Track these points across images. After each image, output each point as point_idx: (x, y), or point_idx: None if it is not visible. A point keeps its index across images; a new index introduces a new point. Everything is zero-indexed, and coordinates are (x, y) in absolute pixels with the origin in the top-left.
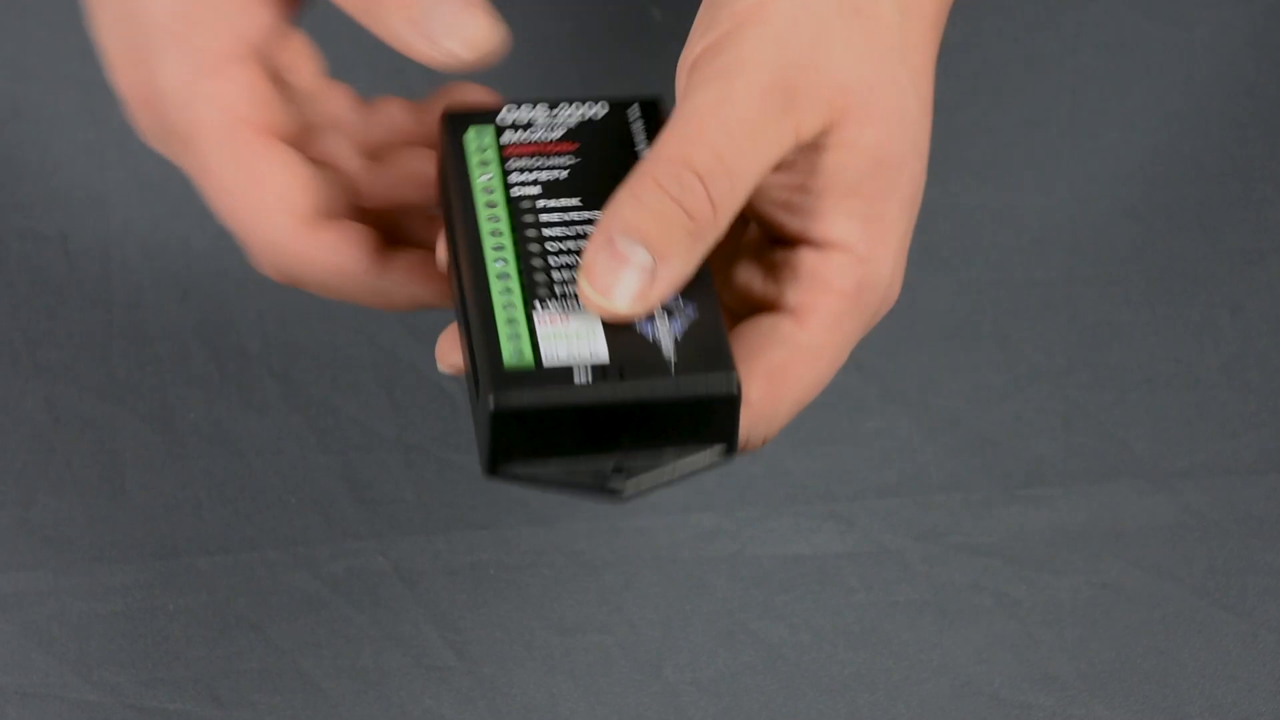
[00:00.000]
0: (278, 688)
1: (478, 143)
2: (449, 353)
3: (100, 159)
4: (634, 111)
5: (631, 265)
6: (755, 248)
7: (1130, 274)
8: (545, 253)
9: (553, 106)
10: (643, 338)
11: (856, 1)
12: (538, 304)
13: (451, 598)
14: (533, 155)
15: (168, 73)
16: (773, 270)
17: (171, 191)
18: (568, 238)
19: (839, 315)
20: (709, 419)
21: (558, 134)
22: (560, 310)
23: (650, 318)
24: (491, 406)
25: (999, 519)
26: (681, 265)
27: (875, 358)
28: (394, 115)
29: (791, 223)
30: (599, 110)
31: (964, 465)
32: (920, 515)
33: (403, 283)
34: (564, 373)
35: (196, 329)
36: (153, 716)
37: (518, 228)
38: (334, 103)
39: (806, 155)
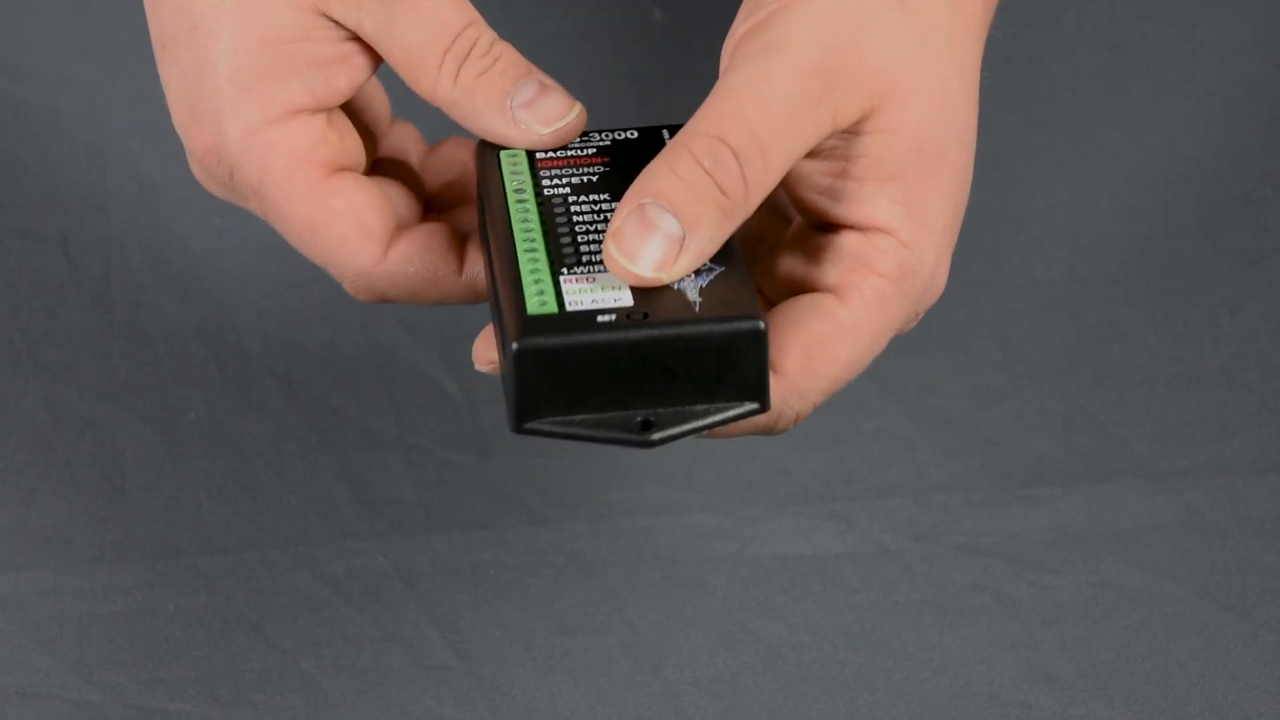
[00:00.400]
0: (278, 688)
1: (511, 160)
2: (485, 350)
3: (100, 159)
4: (665, 135)
5: (660, 232)
6: (798, 237)
7: (1130, 274)
8: (574, 233)
9: (584, 135)
10: (667, 288)
11: None
12: (564, 270)
13: (451, 598)
14: (565, 166)
15: (234, 124)
16: (815, 254)
17: (171, 192)
18: (597, 222)
19: (882, 296)
20: (736, 367)
21: (590, 151)
22: (586, 274)
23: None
24: (515, 347)
25: (999, 519)
26: (710, 239)
27: (875, 358)
28: (455, 154)
29: (834, 209)
30: (631, 134)
31: (964, 465)
32: (920, 515)
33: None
34: (588, 315)
35: (196, 329)
36: (153, 716)
37: (547, 218)
38: (399, 141)
39: (847, 140)
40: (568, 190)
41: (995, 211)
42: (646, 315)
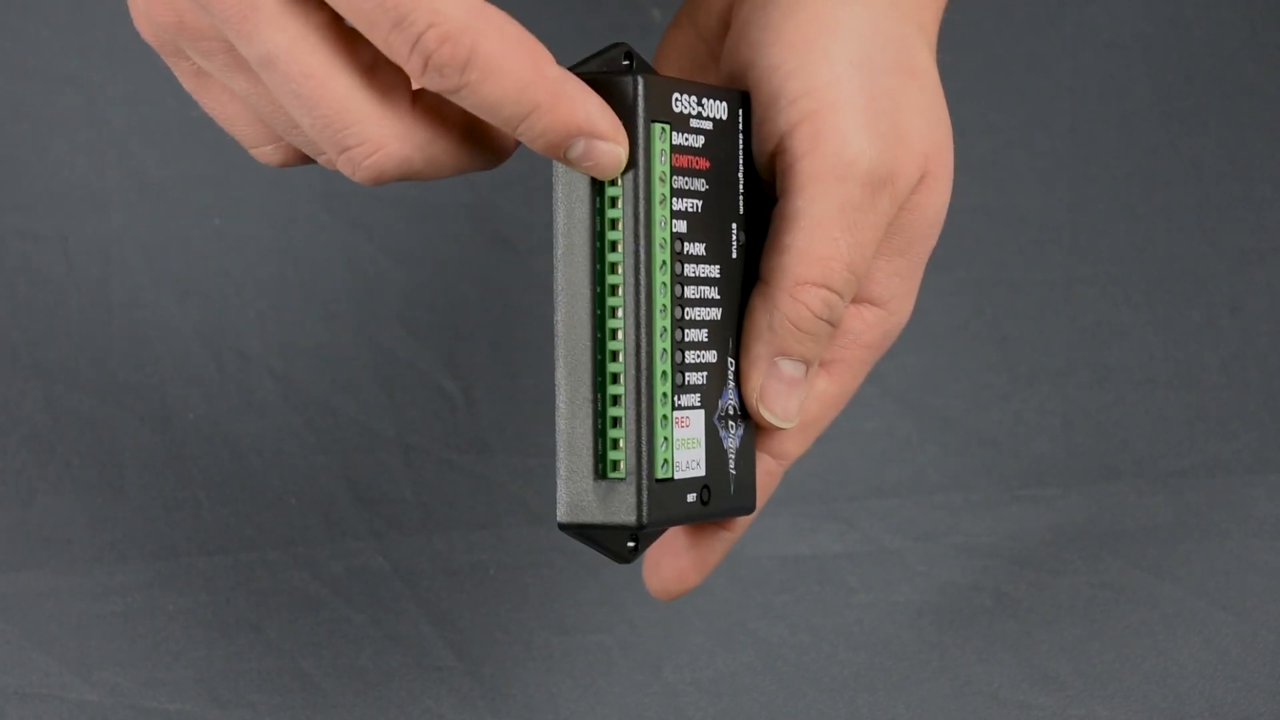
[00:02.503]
0: (278, 688)
1: (662, 145)
2: (662, 575)
3: (100, 159)
4: (740, 116)
5: (794, 384)
6: None
7: (1130, 274)
8: (686, 325)
9: (698, 99)
10: (722, 447)
11: (908, 63)
12: (677, 400)
13: (451, 598)
14: (687, 174)
15: None
16: None
17: (171, 191)
18: (697, 304)
19: (865, 364)
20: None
21: (700, 141)
22: (687, 408)
23: (727, 427)
24: (645, 522)
25: (999, 519)
26: (817, 364)
27: None
28: None
29: None
30: (723, 110)
31: (964, 465)
32: (920, 515)
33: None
34: (682, 489)
35: (196, 329)
36: (153, 716)
37: (675, 285)
38: None
39: None
40: (685, 229)
41: (995, 211)
42: (710, 494)
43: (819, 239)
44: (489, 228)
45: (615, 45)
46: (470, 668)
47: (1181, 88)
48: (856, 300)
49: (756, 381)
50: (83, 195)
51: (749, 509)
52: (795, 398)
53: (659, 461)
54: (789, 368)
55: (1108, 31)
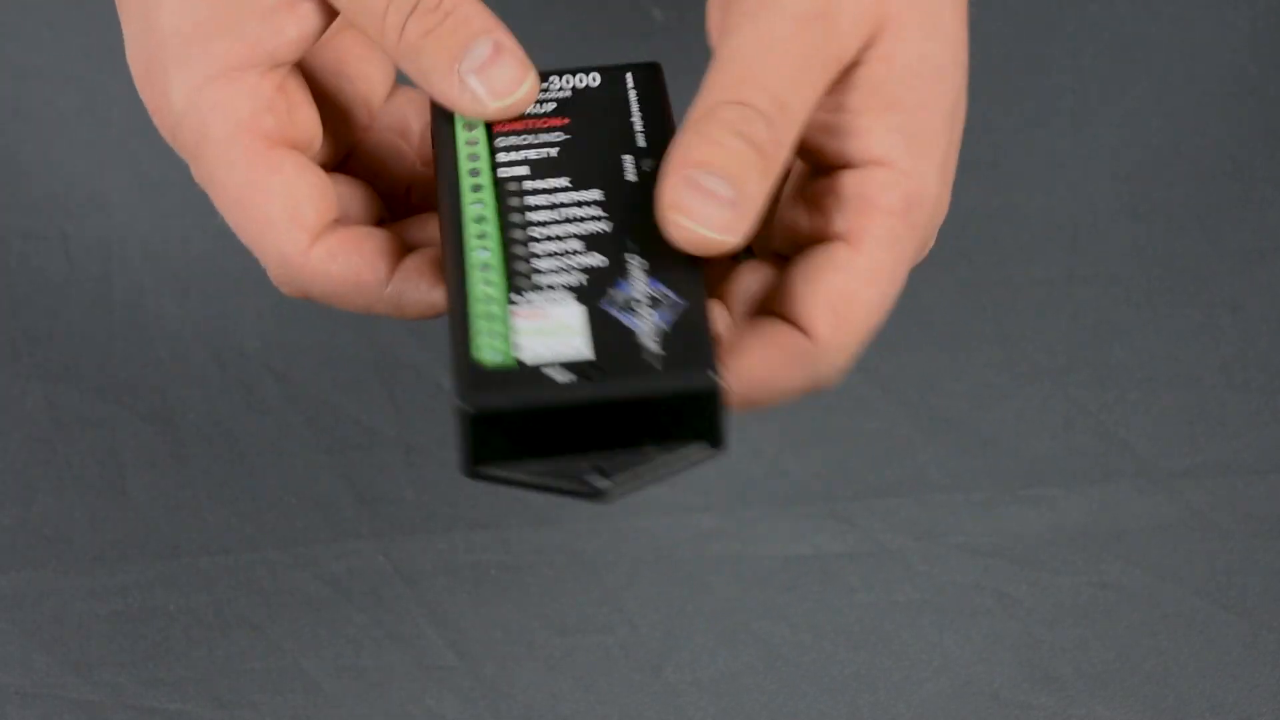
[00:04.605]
0: (278, 688)
1: (466, 120)
2: None
3: (100, 159)
4: (629, 80)
5: (716, 198)
6: (797, 183)
7: (1130, 274)
8: (529, 239)
9: (543, 79)
10: (627, 331)
11: None
12: (517, 296)
13: (452, 598)
14: (523, 132)
15: (177, 82)
16: (817, 202)
17: (171, 192)
18: (553, 222)
19: (892, 233)
20: (692, 416)
21: (548, 108)
22: (542, 303)
23: (633, 310)
24: (471, 410)
25: (999, 519)
26: (757, 199)
27: (875, 358)
28: None
29: (831, 144)
30: (593, 79)
31: (964, 465)
32: (920, 515)
33: (414, 288)
34: (544, 373)
35: (196, 329)
36: (153, 716)
37: (503, 212)
38: (398, 112)
39: (844, 72)
40: (525, 171)
41: (995, 211)
42: (605, 370)
43: (735, 65)
44: None
45: None
46: (471, 668)
47: (1181, 88)
48: (858, 165)
49: (666, 195)
50: (83, 195)
51: (706, 378)
52: (722, 211)
53: (484, 349)
54: (710, 181)
55: (1108, 31)
